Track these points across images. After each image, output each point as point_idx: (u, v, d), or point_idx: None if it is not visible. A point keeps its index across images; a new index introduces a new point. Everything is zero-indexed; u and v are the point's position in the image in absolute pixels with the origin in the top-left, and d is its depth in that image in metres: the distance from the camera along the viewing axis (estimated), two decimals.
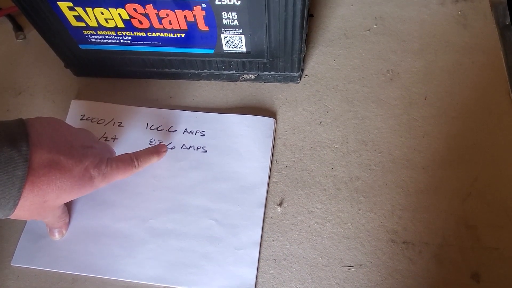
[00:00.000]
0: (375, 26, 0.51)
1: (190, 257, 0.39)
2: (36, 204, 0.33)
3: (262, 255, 0.39)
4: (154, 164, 0.43)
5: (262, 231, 0.40)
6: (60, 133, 0.35)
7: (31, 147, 0.31)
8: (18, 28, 0.54)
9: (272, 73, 0.46)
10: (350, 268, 0.38)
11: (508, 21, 0.48)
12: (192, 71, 0.47)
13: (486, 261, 0.37)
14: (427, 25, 0.51)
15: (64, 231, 0.40)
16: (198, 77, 0.48)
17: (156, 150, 0.42)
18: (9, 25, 0.54)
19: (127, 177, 0.39)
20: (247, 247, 0.39)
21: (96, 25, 0.41)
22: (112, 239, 0.40)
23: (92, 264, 0.39)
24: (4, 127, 0.31)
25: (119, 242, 0.40)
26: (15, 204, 0.31)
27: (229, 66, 0.45)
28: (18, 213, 0.32)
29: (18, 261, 0.40)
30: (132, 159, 0.39)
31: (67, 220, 0.41)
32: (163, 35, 0.41)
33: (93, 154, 0.36)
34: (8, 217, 0.33)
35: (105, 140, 0.45)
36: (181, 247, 0.39)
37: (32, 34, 0.54)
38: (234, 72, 0.46)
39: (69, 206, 0.42)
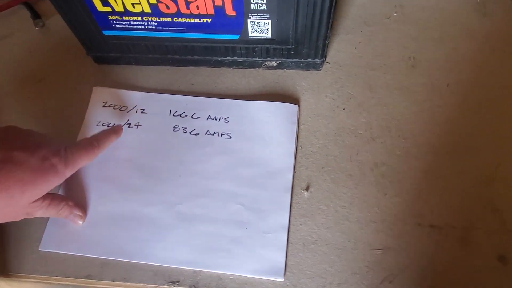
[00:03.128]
0: (395, 14, 0.51)
1: (219, 241, 0.39)
2: (3, 202, 0.33)
3: (290, 239, 0.39)
4: (179, 150, 0.43)
5: (290, 216, 0.40)
6: (12, 134, 0.36)
7: None
8: (36, 15, 0.54)
9: (295, 60, 0.46)
10: (378, 251, 0.38)
11: None
12: (215, 57, 0.47)
13: None
14: (447, 13, 0.51)
15: (79, 213, 0.40)
16: (220, 64, 0.48)
17: (113, 129, 0.43)
18: (26, 13, 0.54)
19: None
20: (275, 231, 0.39)
21: (123, 10, 0.41)
22: (140, 224, 0.40)
23: (120, 249, 0.39)
24: None
25: (147, 227, 0.40)
26: None
27: (253, 53, 0.46)
28: None
29: (46, 246, 0.40)
30: (91, 141, 0.40)
31: (71, 202, 0.39)
32: (189, 21, 0.41)
33: (47, 144, 0.36)
34: None
35: (129, 127, 0.45)
36: (210, 231, 0.40)
37: (51, 21, 0.54)
38: (257, 59, 0.46)
39: (93, 191, 0.42)
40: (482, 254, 0.38)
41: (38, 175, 0.34)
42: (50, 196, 0.37)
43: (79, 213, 0.40)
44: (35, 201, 0.36)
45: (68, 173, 0.37)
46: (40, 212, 0.37)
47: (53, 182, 0.36)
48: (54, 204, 0.38)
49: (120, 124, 0.44)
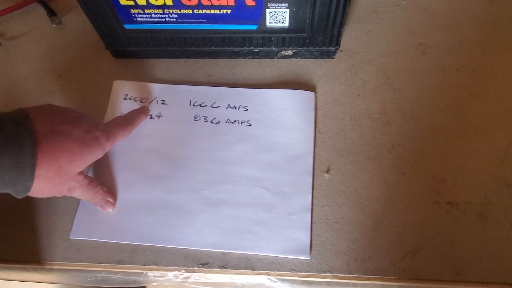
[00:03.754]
0: (403, 2, 0.53)
1: (245, 224, 0.40)
2: (52, 171, 0.35)
3: (314, 219, 0.41)
4: (201, 138, 0.45)
5: (312, 197, 0.41)
6: (55, 110, 0.38)
7: (32, 122, 0.34)
8: (51, 13, 0.55)
9: (310, 48, 0.47)
10: (399, 228, 0.40)
11: None
12: (232, 48, 0.48)
13: None
14: (454, 0, 0.53)
15: (111, 200, 0.41)
16: (237, 54, 0.49)
17: (141, 109, 0.46)
18: (42, 11, 0.55)
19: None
20: (299, 212, 0.41)
21: (145, 3, 0.42)
22: (167, 210, 0.41)
23: (149, 234, 0.40)
24: (5, 113, 0.34)
25: (174, 212, 0.41)
26: (32, 172, 0.33)
27: (269, 43, 0.47)
28: (39, 186, 0.35)
29: (77, 234, 0.41)
30: (125, 118, 0.43)
31: (105, 189, 0.41)
32: (209, 12, 0.43)
33: (88, 119, 0.39)
34: (29, 194, 0.35)
35: (150, 118, 0.47)
36: (235, 215, 0.41)
37: (67, 18, 0.55)
38: (273, 49, 0.48)
39: (120, 180, 0.43)
40: (500, 228, 0.39)
41: (83, 146, 0.37)
42: (90, 178, 0.40)
43: (111, 200, 0.41)
44: (79, 173, 0.38)
45: (108, 146, 0.40)
46: (79, 190, 0.38)
47: (96, 154, 0.39)
48: (92, 185, 0.39)
49: (146, 105, 0.47)
